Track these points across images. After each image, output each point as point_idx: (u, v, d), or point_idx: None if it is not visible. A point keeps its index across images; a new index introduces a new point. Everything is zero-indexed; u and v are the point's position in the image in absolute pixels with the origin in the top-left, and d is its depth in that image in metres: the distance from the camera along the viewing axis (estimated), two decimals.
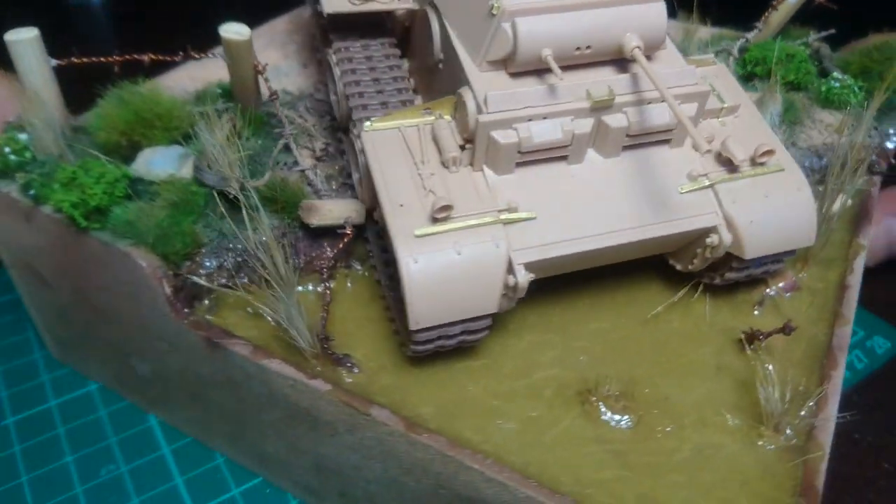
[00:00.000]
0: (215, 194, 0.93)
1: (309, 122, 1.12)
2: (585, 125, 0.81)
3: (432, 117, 0.86)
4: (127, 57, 0.99)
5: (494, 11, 0.78)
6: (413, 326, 0.77)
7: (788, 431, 0.81)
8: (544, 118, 0.80)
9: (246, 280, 0.94)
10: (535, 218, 0.81)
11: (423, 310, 0.76)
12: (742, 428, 0.82)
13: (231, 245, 0.93)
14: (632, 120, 0.82)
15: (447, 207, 0.76)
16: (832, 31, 1.31)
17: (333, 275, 0.96)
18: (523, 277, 0.79)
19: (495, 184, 0.82)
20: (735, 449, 0.80)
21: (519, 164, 0.82)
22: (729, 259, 0.90)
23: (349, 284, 0.98)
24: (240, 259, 0.93)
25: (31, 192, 0.90)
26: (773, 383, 0.81)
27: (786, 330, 0.85)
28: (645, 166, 0.86)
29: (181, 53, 1.00)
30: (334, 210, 0.94)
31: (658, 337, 0.92)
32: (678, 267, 0.95)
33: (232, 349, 0.87)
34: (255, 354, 0.86)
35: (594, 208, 0.83)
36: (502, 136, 0.79)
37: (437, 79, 0.94)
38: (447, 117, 0.85)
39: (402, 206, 0.79)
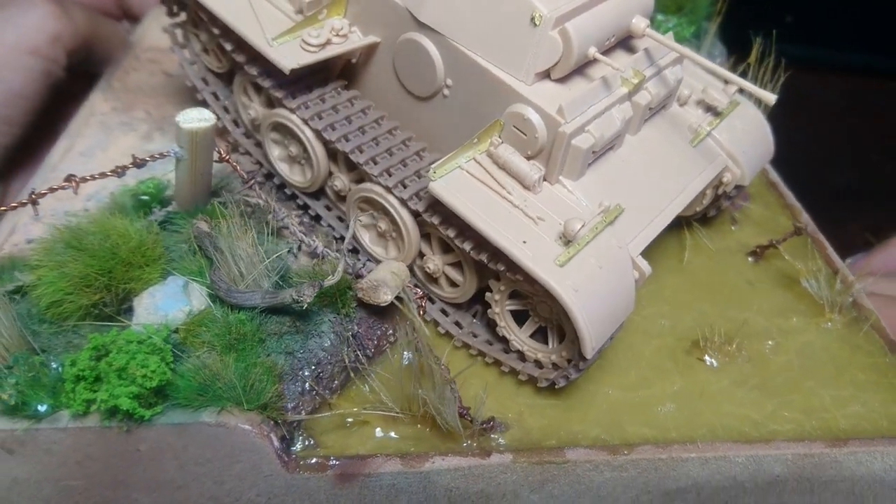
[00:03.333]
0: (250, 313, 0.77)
1: (263, 197, 0.95)
2: (628, 109, 0.84)
3: (484, 145, 0.81)
4: (52, 188, 0.74)
5: (537, 21, 0.76)
6: (590, 354, 0.74)
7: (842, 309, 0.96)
8: (603, 113, 0.81)
9: (328, 393, 0.79)
10: (624, 210, 0.82)
11: (595, 334, 0.74)
12: (810, 321, 0.95)
13: (302, 362, 0.77)
14: (652, 93, 0.87)
15: (584, 225, 0.74)
16: None
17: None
18: (646, 266, 0.80)
19: (576, 190, 0.81)
20: (821, 340, 0.93)
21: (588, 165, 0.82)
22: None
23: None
24: (318, 372, 0.78)
25: (42, 407, 0.64)
26: (814, 277, 0.95)
27: (797, 231, 1.00)
28: (662, 132, 0.92)
29: (121, 166, 0.78)
30: (393, 279, 0.83)
31: (696, 279, 1.01)
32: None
33: (378, 472, 0.74)
34: (411, 463, 0.74)
35: (653, 182, 0.87)
36: (581, 141, 0.78)
37: (430, 107, 0.88)
38: (497, 142, 0.80)
39: (525, 242, 0.74)
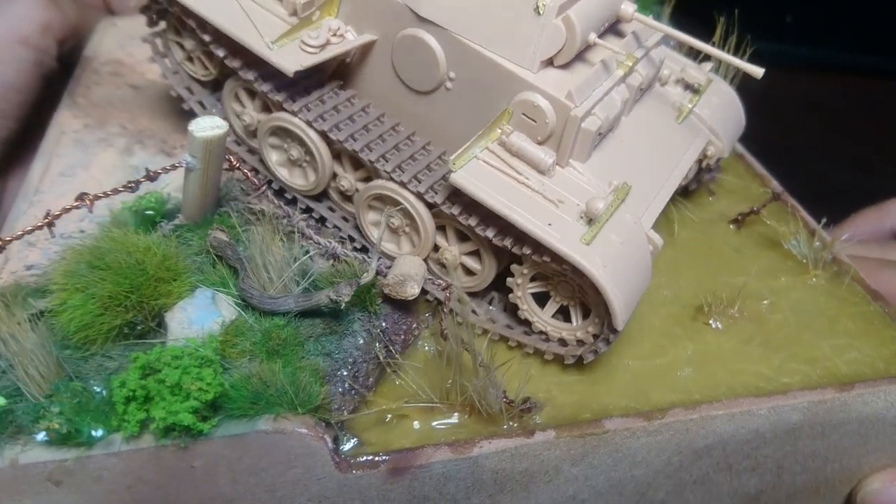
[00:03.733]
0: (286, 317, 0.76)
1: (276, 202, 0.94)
2: (625, 91, 0.88)
3: (494, 135, 0.82)
4: (66, 208, 0.72)
5: (541, 10, 0.78)
6: (621, 326, 0.77)
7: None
8: (605, 96, 0.84)
9: (366, 391, 0.80)
10: (631, 186, 0.86)
11: (623, 307, 0.77)
12: (797, 279, 1.01)
13: (339, 362, 0.78)
14: (643, 75, 0.91)
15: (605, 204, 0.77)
16: None
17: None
18: (658, 238, 0.84)
19: (586, 171, 0.84)
20: (810, 295, 0.99)
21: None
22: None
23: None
24: (355, 370, 0.78)
25: (97, 432, 0.62)
26: (796, 237, 1.02)
27: (776, 197, 1.06)
28: (651, 112, 0.96)
29: (133, 181, 0.76)
30: (417, 271, 0.84)
31: (689, 249, 1.06)
32: None
33: (430, 462, 0.75)
34: (461, 450, 0.75)
35: (651, 159, 0.91)
36: (590, 124, 0.81)
37: (432, 101, 0.89)
38: (508, 130, 0.82)
39: (550, 225, 0.77)
